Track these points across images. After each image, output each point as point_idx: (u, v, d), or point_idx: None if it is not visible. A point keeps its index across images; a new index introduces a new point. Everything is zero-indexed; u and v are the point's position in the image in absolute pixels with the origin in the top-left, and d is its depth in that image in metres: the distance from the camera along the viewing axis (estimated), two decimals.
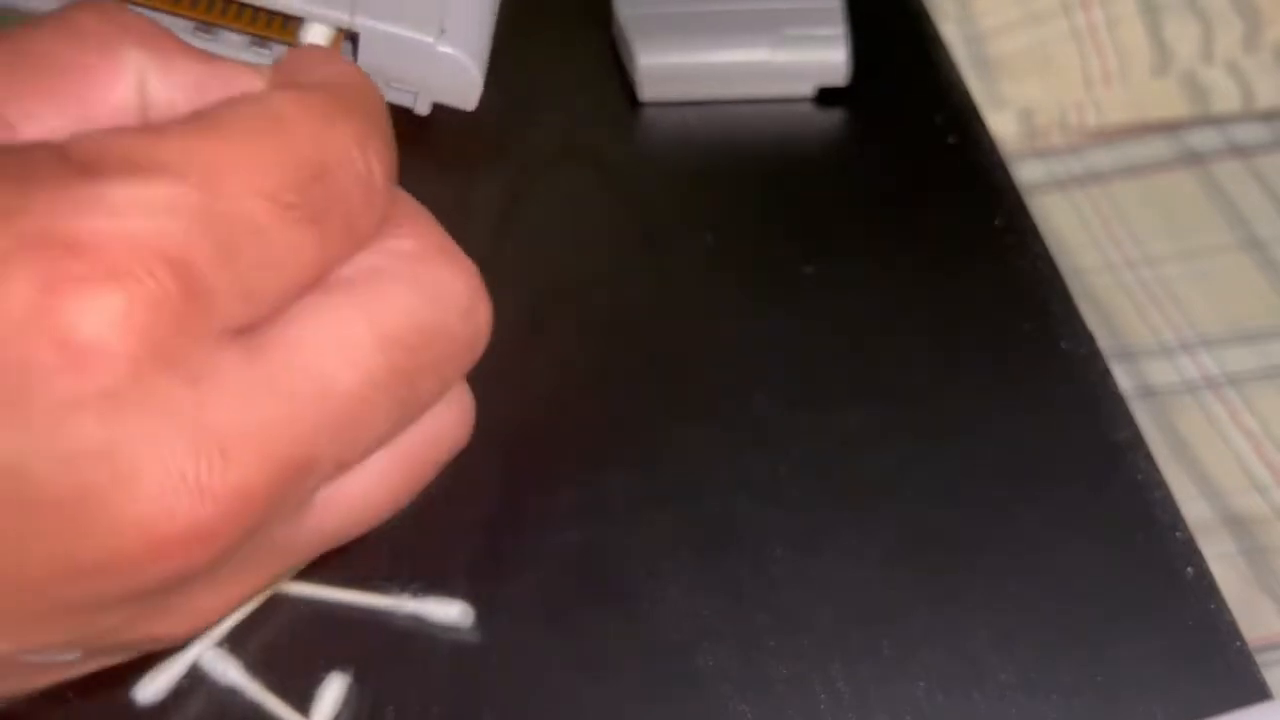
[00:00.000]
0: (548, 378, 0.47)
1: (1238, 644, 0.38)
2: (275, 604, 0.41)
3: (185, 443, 0.20)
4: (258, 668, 0.39)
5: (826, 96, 0.58)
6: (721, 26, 0.58)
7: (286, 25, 0.41)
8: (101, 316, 0.19)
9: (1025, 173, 0.82)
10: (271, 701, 0.38)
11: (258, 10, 0.40)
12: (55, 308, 0.19)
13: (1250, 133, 0.82)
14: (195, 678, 0.39)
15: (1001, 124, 0.83)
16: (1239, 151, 0.81)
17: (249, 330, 0.22)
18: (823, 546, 0.42)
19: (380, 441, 0.25)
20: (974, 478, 0.43)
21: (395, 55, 0.43)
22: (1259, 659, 0.38)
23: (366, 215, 0.24)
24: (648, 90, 0.58)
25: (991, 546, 0.41)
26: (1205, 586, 0.40)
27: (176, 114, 0.24)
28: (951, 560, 0.41)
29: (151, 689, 0.39)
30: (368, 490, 0.26)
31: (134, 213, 0.20)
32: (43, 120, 0.24)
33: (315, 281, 0.23)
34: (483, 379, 0.47)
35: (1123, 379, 0.69)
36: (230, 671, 0.39)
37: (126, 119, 0.25)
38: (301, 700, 0.38)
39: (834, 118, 0.58)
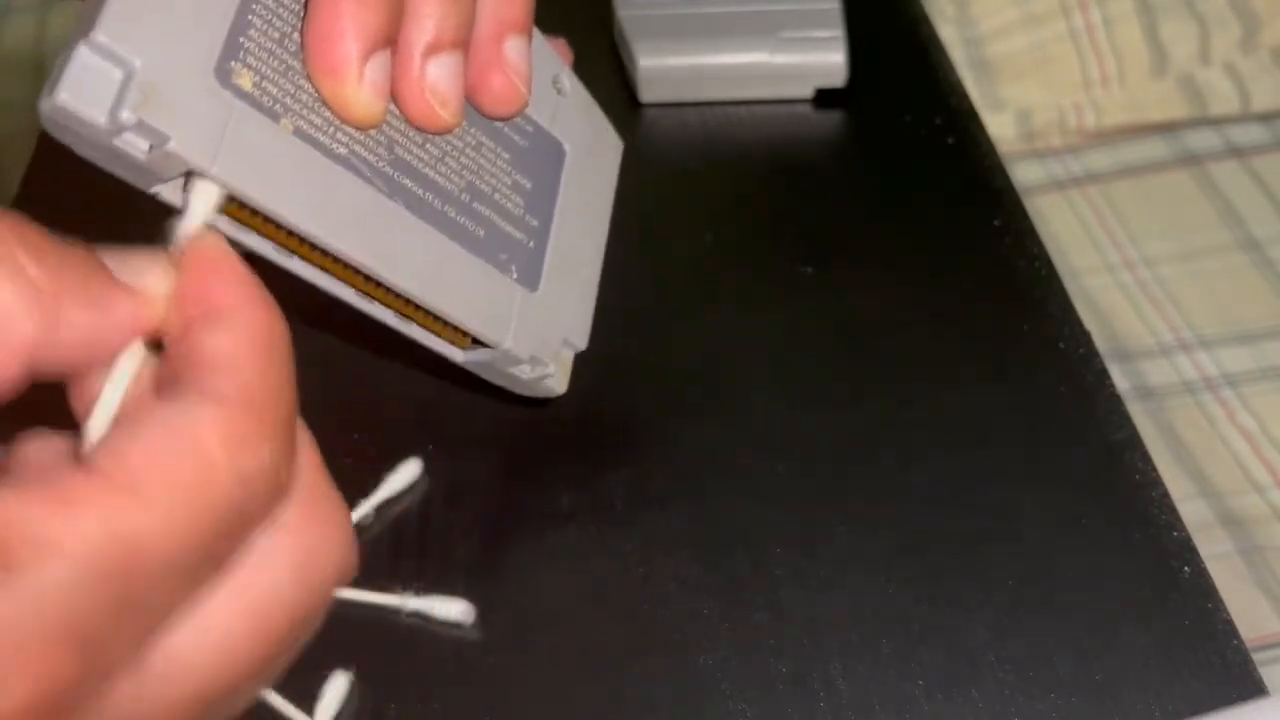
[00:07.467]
0: None
1: (1235, 642, 0.39)
2: None
3: None
4: None
5: (825, 98, 0.58)
6: (721, 29, 0.58)
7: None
8: (6, 703, 0.21)
9: (1023, 174, 0.82)
10: (275, 698, 0.39)
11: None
12: None
13: (1247, 133, 0.82)
14: None
15: (1000, 125, 0.83)
16: (1236, 152, 0.82)
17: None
18: (823, 546, 0.42)
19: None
20: (972, 478, 0.44)
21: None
22: (1256, 657, 0.38)
23: (266, 515, 0.24)
24: (647, 92, 0.58)
25: (990, 546, 0.42)
26: (1202, 586, 0.40)
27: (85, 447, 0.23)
28: (951, 560, 0.41)
29: None
30: None
31: (38, 600, 0.21)
32: None
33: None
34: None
35: (1120, 379, 0.69)
36: None
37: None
38: (304, 697, 0.39)
39: (832, 119, 0.58)
